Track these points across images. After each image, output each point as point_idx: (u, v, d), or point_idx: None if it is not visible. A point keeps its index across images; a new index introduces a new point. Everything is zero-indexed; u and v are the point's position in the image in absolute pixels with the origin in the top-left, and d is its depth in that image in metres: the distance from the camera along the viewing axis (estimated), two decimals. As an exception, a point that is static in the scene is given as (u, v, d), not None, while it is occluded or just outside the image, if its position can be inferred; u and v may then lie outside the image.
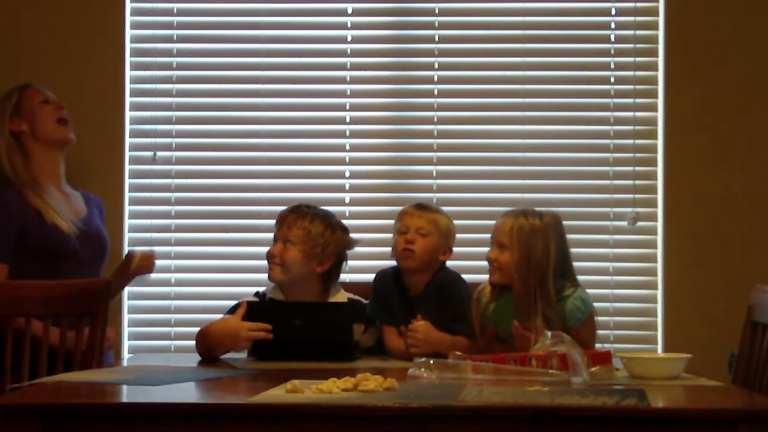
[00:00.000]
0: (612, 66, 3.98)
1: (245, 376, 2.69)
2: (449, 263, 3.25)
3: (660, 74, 3.96)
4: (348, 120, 4.02)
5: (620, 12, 3.99)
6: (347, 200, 3.99)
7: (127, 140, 3.98)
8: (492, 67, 4.00)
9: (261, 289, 3.27)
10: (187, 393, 2.46)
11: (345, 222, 3.30)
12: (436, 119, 4.00)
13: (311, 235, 3.13)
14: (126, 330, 3.90)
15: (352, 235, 3.26)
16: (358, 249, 3.31)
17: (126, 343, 3.90)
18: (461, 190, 3.96)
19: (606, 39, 3.99)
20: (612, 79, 3.98)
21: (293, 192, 3.92)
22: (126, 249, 3.75)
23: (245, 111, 4.03)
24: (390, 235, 3.30)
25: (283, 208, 3.27)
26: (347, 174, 4.01)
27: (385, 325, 3.18)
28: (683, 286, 3.89)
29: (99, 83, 3.95)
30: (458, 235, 3.30)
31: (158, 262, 3.69)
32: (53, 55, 3.95)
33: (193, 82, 4.04)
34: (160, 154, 3.99)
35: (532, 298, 2.93)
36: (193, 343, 3.09)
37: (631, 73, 3.98)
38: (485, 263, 3.06)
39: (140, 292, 3.84)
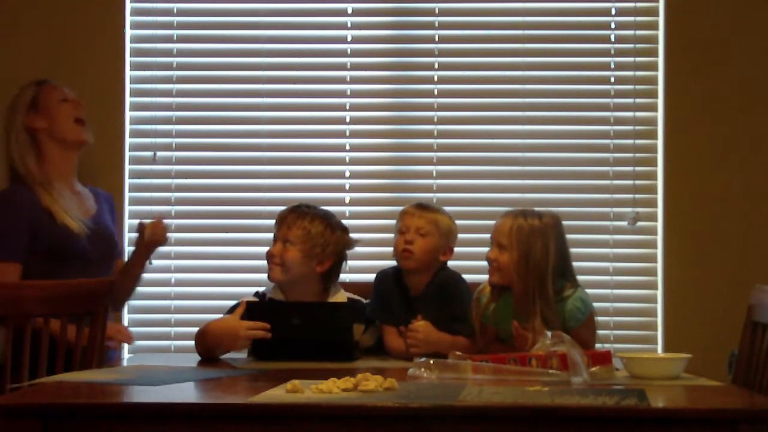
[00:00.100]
0: (612, 66, 3.98)
1: (245, 376, 2.69)
2: (450, 263, 3.25)
3: (660, 74, 3.96)
4: (348, 120, 4.02)
5: (620, 12, 3.99)
6: (347, 200, 3.99)
7: (127, 140, 3.98)
8: (492, 67, 4.00)
9: (261, 289, 3.27)
10: (187, 393, 2.46)
11: (345, 222, 3.30)
12: (436, 119, 4.00)
13: (311, 235, 3.13)
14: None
15: (352, 235, 3.26)
16: (358, 249, 3.31)
17: (126, 343, 3.89)
18: (461, 190, 3.96)
19: (606, 39, 3.99)
20: (612, 79, 3.98)
21: (293, 192, 3.92)
22: (127, 249, 3.74)
23: (245, 111, 4.03)
24: (390, 235, 3.30)
25: (283, 208, 3.27)
26: (347, 174, 4.01)
27: (386, 325, 3.18)
28: (683, 286, 3.89)
29: (99, 83, 3.94)
30: (458, 235, 3.29)
31: (158, 262, 3.69)
32: (53, 55, 3.95)
33: (193, 82, 4.04)
34: (160, 154, 3.99)
35: (531, 298, 2.93)
36: (193, 343, 3.09)
37: (631, 73, 3.98)
38: (485, 263, 3.06)
39: (140, 292, 3.84)
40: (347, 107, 4.03)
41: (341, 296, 3.19)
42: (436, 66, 4.02)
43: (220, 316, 3.12)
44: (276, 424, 2.18)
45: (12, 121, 3.44)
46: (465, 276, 3.27)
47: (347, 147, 4.02)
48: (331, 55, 4.02)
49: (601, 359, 2.61)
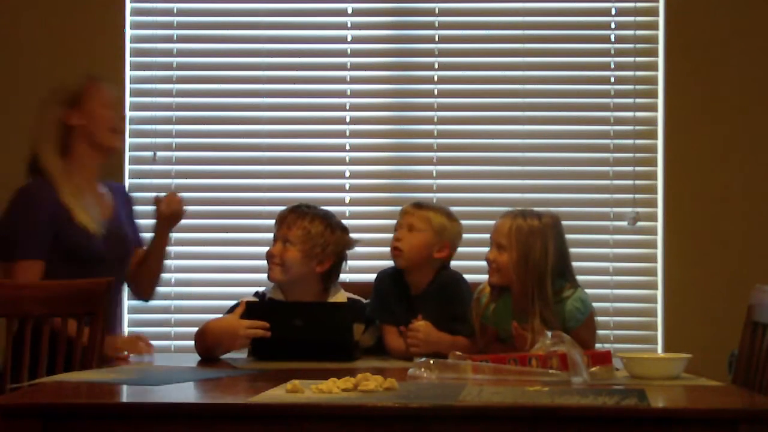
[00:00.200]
0: (612, 66, 3.99)
1: (245, 376, 2.68)
2: (451, 264, 3.24)
3: (660, 74, 3.96)
4: (348, 120, 4.02)
5: (620, 12, 3.99)
6: (347, 200, 4.00)
7: (127, 140, 3.98)
8: (492, 67, 4.00)
9: (260, 289, 3.27)
10: (187, 393, 2.46)
11: (345, 222, 3.30)
12: (436, 119, 4.01)
13: (311, 235, 3.13)
14: (126, 330, 3.90)
15: (352, 235, 3.26)
16: (358, 249, 3.30)
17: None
18: (461, 190, 3.97)
19: (606, 39, 3.99)
20: (612, 79, 3.98)
21: (293, 192, 3.92)
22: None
23: (245, 111, 4.03)
24: (390, 235, 3.29)
25: (283, 208, 3.27)
26: (347, 174, 4.01)
27: (386, 324, 3.18)
28: (683, 286, 3.89)
29: (99, 83, 3.94)
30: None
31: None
32: (53, 55, 3.95)
33: (193, 82, 4.04)
34: (160, 154, 3.99)
35: (530, 298, 2.93)
36: (193, 343, 3.09)
37: (631, 73, 3.98)
38: (485, 263, 3.06)
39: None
40: (347, 107, 4.03)
41: (341, 296, 3.19)
42: (436, 66, 4.02)
43: (220, 316, 3.12)
44: (276, 424, 2.18)
45: (47, 111, 3.33)
46: (465, 276, 3.26)
47: (347, 147, 4.02)
48: (331, 55, 4.02)
49: (601, 359, 2.61)
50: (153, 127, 4.00)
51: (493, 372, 2.55)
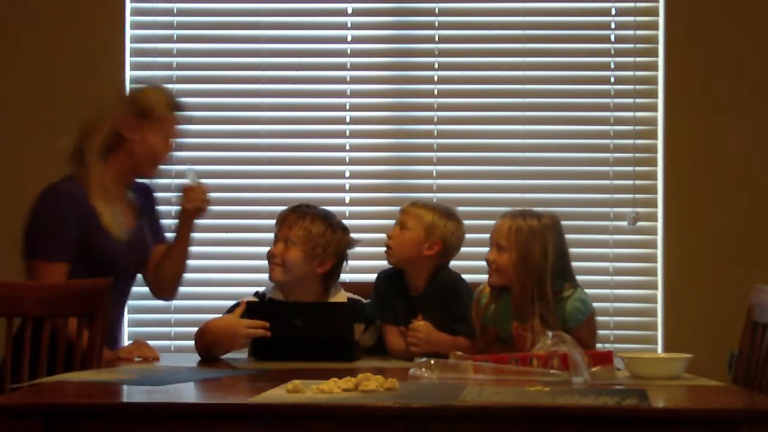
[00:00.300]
0: (612, 66, 3.99)
1: (245, 376, 2.68)
2: (451, 264, 3.23)
3: (660, 74, 3.96)
4: (348, 120, 4.02)
5: (620, 12, 4.00)
6: (347, 200, 4.00)
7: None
8: (492, 67, 4.01)
9: (260, 289, 3.26)
10: (187, 393, 2.46)
11: (345, 222, 3.29)
12: (436, 119, 4.01)
13: (312, 235, 3.12)
14: (126, 330, 3.90)
15: (353, 235, 3.26)
16: (358, 249, 3.30)
17: (126, 343, 3.89)
18: (461, 190, 3.97)
19: (606, 39, 4.00)
20: (612, 79, 3.98)
21: (293, 192, 3.93)
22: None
23: (245, 111, 4.03)
24: (390, 236, 3.29)
25: (283, 208, 3.26)
26: (347, 174, 4.02)
27: (387, 324, 3.17)
28: (683, 286, 3.89)
29: (99, 83, 3.94)
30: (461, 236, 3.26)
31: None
32: (53, 54, 3.95)
33: (193, 82, 4.04)
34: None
35: (529, 299, 2.92)
36: (193, 343, 3.08)
37: (631, 73, 3.98)
38: (485, 263, 3.06)
39: (140, 292, 3.83)
40: (347, 107, 4.03)
41: (341, 296, 3.19)
42: (436, 66, 4.02)
43: (220, 316, 3.11)
44: (277, 424, 2.18)
45: (110, 110, 3.20)
46: (465, 276, 3.26)
47: (347, 147, 4.02)
48: (331, 55, 4.02)
49: (602, 359, 2.61)
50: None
51: (494, 372, 2.55)
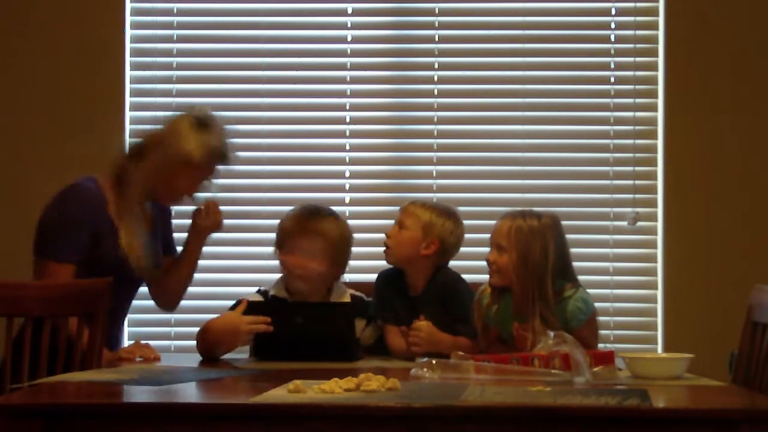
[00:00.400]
0: (612, 66, 3.99)
1: (247, 376, 2.68)
2: (450, 263, 3.23)
3: (660, 74, 3.96)
4: (348, 120, 4.03)
5: (620, 12, 4.00)
6: (347, 200, 4.00)
7: (127, 140, 3.97)
8: (492, 67, 4.01)
9: (263, 287, 3.24)
10: (187, 393, 2.46)
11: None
12: (436, 119, 4.01)
13: (335, 244, 3.11)
14: (126, 330, 3.90)
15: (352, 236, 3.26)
16: (358, 249, 3.30)
17: (126, 343, 3.88)
18: (461, 190, 3.97)
19: (606, 39, 4.00)
20: (612, 79, 3.99)
21: (293, 192, 3.93)
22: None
23: (245, 111, 4.03)
24: (390, 236, 3.29)
25: (283, 208, 3.25)
26: (347, 174, 4.02)
27: (388, 324, 3.17)
28: (683, 286, 3.90)
29: (99, 83, 3.94)
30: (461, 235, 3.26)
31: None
32: (53, 54, 3.95)
33: (193, 82, 4.04)
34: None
35: (530, 299, 2.92)
36: (193, 342, 3.08)
37: (631, 73, 3.98)
38: (485, 263, 3.05)
39: (140, 293, 3.83)
40: (347, 107, 4.03)
41: (346, 296, 3.19)
42: (436, 66, 4.02)
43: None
44: (278, 424, 2.17)
45: (179, 123, 3.14)
46: (465, 276, 3.26)
47: (347, 147, 4.02)
48: (331, 55, 4.02)
49: (604, 359, 2.61)
50: (153, 127, 3.99)
51: (496, 372, 2.55)
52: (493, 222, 3.07)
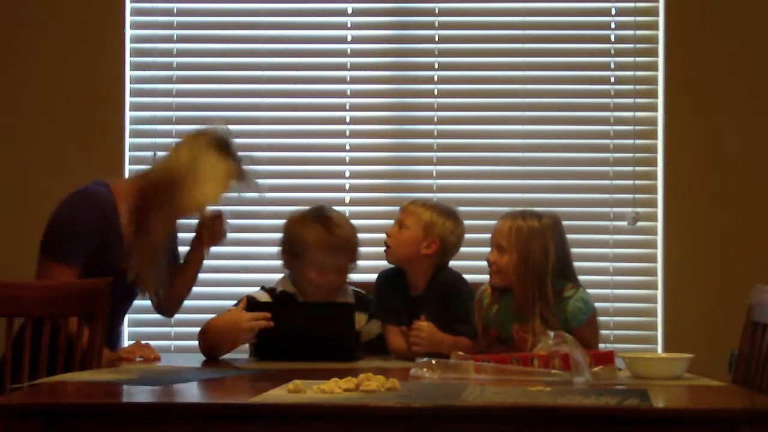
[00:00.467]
0: (612, 66, 3.99)
1: (246, 376, 2.68)
2: (450, 263, 3.23)
3: (660, 74, 3.96)
4: (348, 120, 4.03)
5: (620, 12, 4.00)
6: (347, 200, 4.00)
7: (127, 140, 3.98)
8: (492, 67, 4.01)
9: (267, 285, 3.23)
10: (187, 393, 2.46)
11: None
12: (436, 119, 4.01)
13: (355, 254, 3.14)
14: (126, 330, 3.90)
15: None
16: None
17: (126, 343, 3.88)
18: (461, 190, 3.97)
19: (606, 39, 4.00)
20: (612, 79, 3.99)
21: (293, 192, 3.93)
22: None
23: (245, 111, 4.03)
24: (390, 236, 3.29)
25: (283, 208, 3.24)
26: (347, 174, 4.02)
27: (388, 324, 3.17)
28: (683, 286, 3.90)
29: (99, 83, 3.94)
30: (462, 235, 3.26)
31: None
32: (53, 55, 3.95)
33: (193, 82, 4.04)
34: (160, 154, 3.98)
35: (530, 299, 2.92)
36: (193, 342, 3.08)
37: (631, 73, 3.98)
38: (485, 263, 3.05)
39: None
40: (347, 107, 4.03)
41: (349, 295, 3.19)
42: (436, 66, 4.02)
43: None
44: (278, 424, 2.17)
45: (204, 140, 3.15)
46: (465, 276, 3.26)
47: (347, 147, 4.02)
48: (331, 55, 4.02)
49: (604, 359, 2.61)
50: (153, 127, 4.00)
51: (495, 372, 2.55)
52: (493, 222, 3.07)
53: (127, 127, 3.98)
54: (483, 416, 2.17)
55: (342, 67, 4.03)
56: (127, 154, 3.97)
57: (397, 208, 3.33)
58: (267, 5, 4.06)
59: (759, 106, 3.93)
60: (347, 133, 4.03)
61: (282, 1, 4.06)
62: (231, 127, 3.98)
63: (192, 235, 3.26)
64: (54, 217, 3.11)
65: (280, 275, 3.27)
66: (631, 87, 3.98)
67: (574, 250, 3.08)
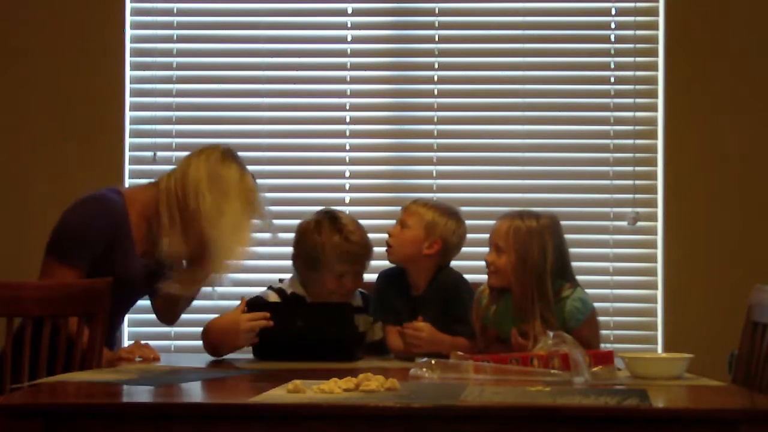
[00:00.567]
0: (612, 66, 3.99)
1: (246, 376, 2.68)
2: (452, 264, 3.23)
3: (660, 74, 3.96)
4: (348, 120, 4.03)
5: (620, 12, 4.00)
6: (347, 200, 4.00)
7: (127, 140, 3.98)
8: (492, 67, 4.01)
9: (275, 285, 3.22)
10: (187, 393, 2.46)
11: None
12: (436, 119, 4.01)
13: (371, 256, 3.18)
14: (126, 330, 3.90)
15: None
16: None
17: (126, 343, 3.89)
18: (461, 190, 3.97)
19: (606, 39, 4.00)
20: (612, 79, 3.99)
21: (293, 192, 3.93)
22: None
23: (245, 111, 4.03)
24: (390, 236, 3.29)
25: (283, 208, 3.24)
26: (347, 174, 4.02)
27: (388, 324, 3.17)
28: (683, 286, 3.89)
29: (99, 83, 3.94)
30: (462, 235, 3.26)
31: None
32: (53, 55, 3.95)
33: (193, 82, 4.04)
34: (160, 154, 3.99)
35: (529, 300, 2.92)
36: (192, 342, 3.08)
37: (631, 73, 3.98)
38: (484, 263, 3.05)
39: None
40: (347, 107, 4.03)
41: (356, 296, 3.20)
42: (436, 66, 4.02)
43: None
44: (277, 424, 2.17)
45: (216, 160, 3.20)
46: (465, 276, 3.25)
47: (347, 147, 4.02)
48: (331, 55, 4.02)
49: (603, 359, 2.61)
50: (153, 127, 4.00)
51: (495, 372, 2.55)
52: (493, 222, 3.07)
53: (127, 127, 3.98)
54: (482, 416, 2.17)
55: (342, 67, 4.03)
56: (127, 154, 3.97)
57: (398, 208, 3.33)
58: (267, 5, 4.06)
59: (759, 106, 3.93)
60: (347, 133, 4.03)
61: (282, 1, 4.06)
62: (231, 127, 4.01)
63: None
64: (65, 221, 3.10)
65: (280, 275, 3.27)
66: (631, 87, 3.98)
67: (573, 250, 3.08)
